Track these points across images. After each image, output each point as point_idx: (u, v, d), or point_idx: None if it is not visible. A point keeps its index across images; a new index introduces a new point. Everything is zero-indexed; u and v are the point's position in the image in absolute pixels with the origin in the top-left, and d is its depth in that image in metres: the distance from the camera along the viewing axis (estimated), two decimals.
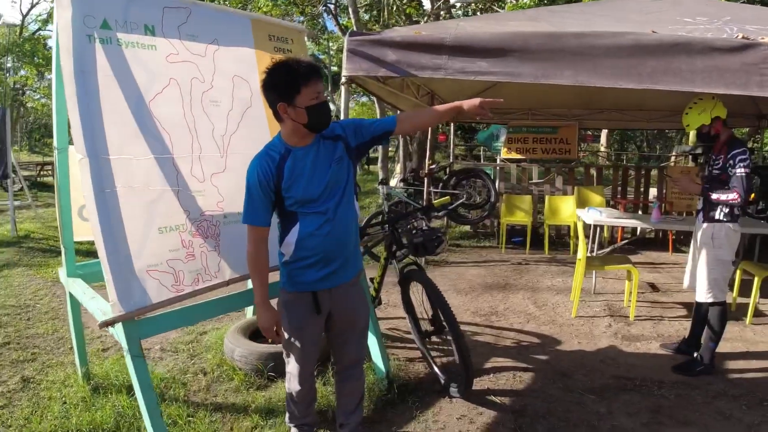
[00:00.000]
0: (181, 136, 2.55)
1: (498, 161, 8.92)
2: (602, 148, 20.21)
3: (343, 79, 3.79)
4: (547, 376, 3.53)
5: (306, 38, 3.54)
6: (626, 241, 7.68)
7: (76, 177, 2.74)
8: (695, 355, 3.68)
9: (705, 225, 3.57)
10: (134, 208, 2.29)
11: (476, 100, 2.34)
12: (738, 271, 4.93)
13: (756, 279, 4.59)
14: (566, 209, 7.43)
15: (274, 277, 2.42)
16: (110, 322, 2.16)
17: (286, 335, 2.36)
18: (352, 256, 2.34)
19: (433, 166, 7.08)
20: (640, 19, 3.95)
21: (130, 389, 3.08)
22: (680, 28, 3.43)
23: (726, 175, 3.42)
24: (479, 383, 3.36)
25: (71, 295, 3.05)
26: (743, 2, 6.98)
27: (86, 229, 3.50)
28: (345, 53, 3.61)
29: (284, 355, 2.45)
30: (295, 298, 2.30)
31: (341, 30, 15.81)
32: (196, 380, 3.37)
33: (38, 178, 16.08)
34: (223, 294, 2.74)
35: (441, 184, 6.93)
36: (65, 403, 3.02)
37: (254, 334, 3.64)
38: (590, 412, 3.07)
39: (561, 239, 7.91)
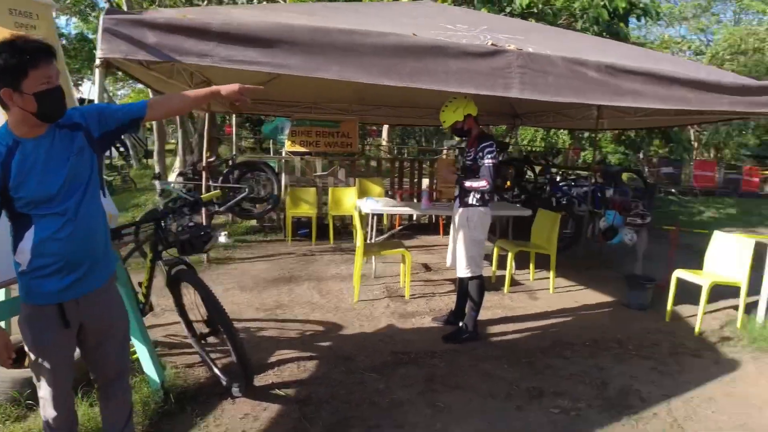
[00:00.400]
0: None
1: (283, 154, 8.91)
2: (384, 143, 21.62)
3: (97, 62, 3.34)
4: (331, 361, 3.63)
5: (54, 13, 3.05)
6: (402, 227, 8.32)
7: None
8: (461, 324, 4.13)
9: (461, 209, 4.02)
10: None
11: (235, 86, 2.30)
12: (495, 248, 5.70)
13: (510, 254, 5.37)
14: (349, 200, 7.75)
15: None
16: None
17: (31, 356, 2.01)
18: (101, 258, 2.08)
19: (212, 159, 6.75)
20: (408, 22, 4.23)
21: None
22: (441, 33, 3.75)
23: (477, 165, 3.89)
24: (263, 378, 3.32)
25: None
26: (505, 15, 8.04)
27: None
28: (100, 33, 3.19)
29: (34, 379, 2.09)
30: (37, 313, 1.97)
31: (112, 7, 14.16)
32: None
33: None
34: None
35: (221, 178, 6.64)
36: None
37: None
38: (371, 390, 3.25)
39: (346, 229, 8.24)
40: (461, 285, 4.25)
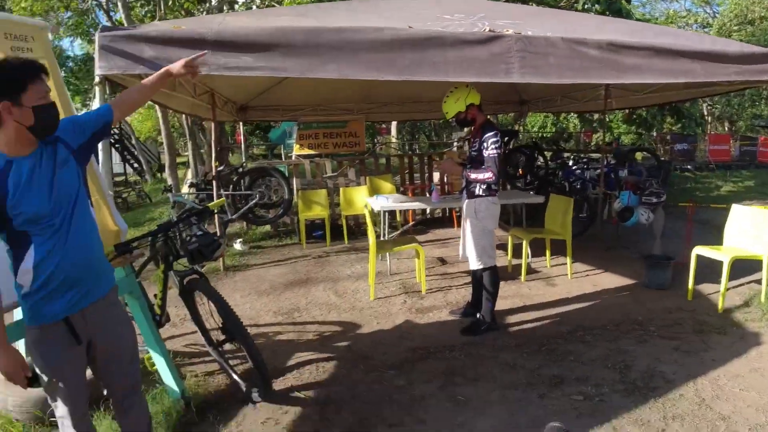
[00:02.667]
0: None
1: (293, 158, 8.93)
2: (393, 139, 21.59)
3: (96, 79, 3.38)
4: (349, 361, 3.63)
5: (50, 35, 3.08)
6: (415, 222, 8.29)
7: None
8: (478, 315, 4.10)
9: (468, 201, 3.99)
10: None
11: (181, 61, 2.38)
12: (510, 237, 5.65)
13: (524, 242, 5.32)
14: (361, 199, 7.74)
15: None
16: None
17: (44, 378, 2.03)
18: (99, 268, 2.10)
19: (221, 168, 6.79)
20: (403, 15, 4.20)
21: None
22: (438, 23, 3.72)
23: (482, 156, 3.85)
24: (283, 382, 3.33)
25: None
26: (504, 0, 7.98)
27: None
28: (97, 50, 3.23)
29: (50, 401, 2.11)
30: (44, 334, 1.98)
31: (113, 25, 14.34)
32: None
33: None
34: None
35: (232, 186, 6.68)
36: None
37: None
38: (391, 387, 3.24)
39: (359, 228, 8.24)
40: (475, 277, 4.22)
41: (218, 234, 2.85)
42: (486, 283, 4.01)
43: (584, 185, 7.72)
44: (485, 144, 3.82)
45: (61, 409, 2.09)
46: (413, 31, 3.38)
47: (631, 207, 6.06)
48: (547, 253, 5.73)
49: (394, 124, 20.73)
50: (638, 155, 10.80)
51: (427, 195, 8.33)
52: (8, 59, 1.85)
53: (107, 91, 3.50)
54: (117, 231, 2.90)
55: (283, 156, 15.36)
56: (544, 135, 16.38)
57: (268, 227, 8.00)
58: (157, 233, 2.86)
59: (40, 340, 2.00)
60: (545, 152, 9.34)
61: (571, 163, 8.86)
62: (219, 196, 6.29)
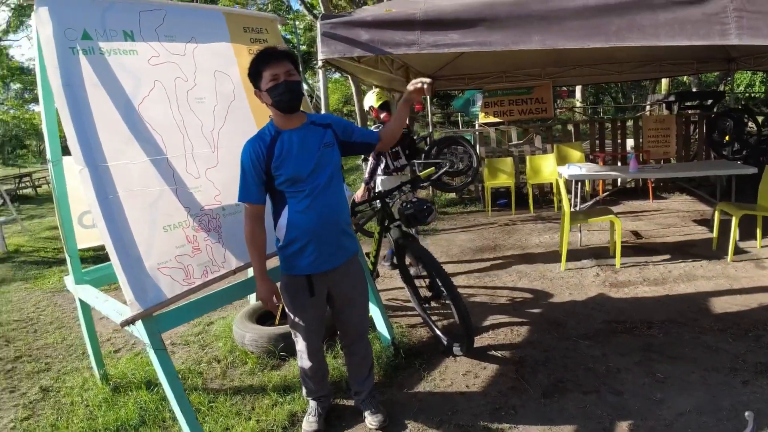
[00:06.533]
0: (172, 136, 2.63)
1: (476, 126, 9.02)
2: (578, 104, 20.37)
3: (319, 63, 3.85)
4: (542, 327, 3.72)
5: (279, 25, 3.59)
6: (608, 193, 7.88)
7: (72, 186, 2.84)
8: None
9: None
10: (137, 211, 2.38)
11: (411, 87, 2.46)
12: (716, 212, 5.15)
13: (734, 219, 4.80)
14: (547, 168, 7.60)
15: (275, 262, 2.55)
16: (130, 321, 2.27)
17: (291, 315, 2.51)
18: (344, 238, 2.46)
19: (414, 137, 7.16)
20: None
21: (149, 385, 3.22)
22: None
23: None
24: (479, 341, 3.55)
25: (81, 301, 3.15)
26: None
27: (87, 236, 3.60)
28: (318, 37, 3.67)
29: (293, 335, 2.61)
30: (292, 282, 2.44)
31: (307, 8, 15.64)
32: (211, 368, 3.51)
33: (18, 191, 15.88)
34: (230, 283, 2.86)
35: (423, 155, 7.02)
36: (88, 405, 3.14)
37: (261, 318, 3.78)
38: (586, 356, 3.27)
39: (545, 197, 8.10)
40: None
41: (430, 201, 3.11)
42: None
43: None
44: None
45: (300, 344, 2.57)
46: None
47: None
48: (758, 231, 5.09)
49: (578, 87, 19.55)
50: None
51: (619, 164, 7.87)
52: (257, 53, 2.28)
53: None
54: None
55: (460, 123, 15.48)
56: (753, 96, 14.05)
57: (452, 194, 8.26)
58: (376, 199, 3.23)
59: (289, 286, 2.46)
60: (757, 116, 8.12)
61: None
62: (411, 166, 6.67)
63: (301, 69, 20.01)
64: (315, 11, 14.99)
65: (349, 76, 11.45)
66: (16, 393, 3.46)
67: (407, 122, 3.24)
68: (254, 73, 2.26)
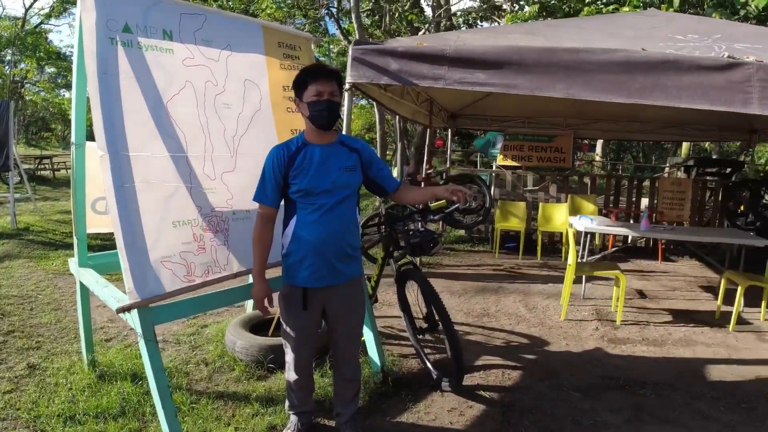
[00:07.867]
0: (195, 135, 2.70)
1: (494, 167, 9.08)
2: (597, 158, 20.44)
3: (346, 86, 3.92)
4: (535, 374, 3.69)
5: (313, 45, 3.68)
6: (616, 248, 7.85)
7: (91, 171, 2.90)
8: None
9: None
10: (151, 203, 2.43)
11: (441, 191, 2.66)
12: (723, 280, 5.11)
13: (739, 288, 4.76)
14: (559, 217, 7.60)
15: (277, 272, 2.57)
16: (126, 308, 2.30)
17: (283, 325, 2.54)
18: (346, 260, 2.47)
19: (430, 171, 7.24)
20: (633, 35, 4.09)
21: (134, 377, 3.23)
22: (671, 45, 3.57)
23: None
24: (470, 379, 3.51)
25: (81, 285, 3.18)
26: (737, 20, 7.17)
27: (98, 221, 3.65)
28: (349, 61, 3.74)
29: (284, 345, 2.62)
30: (289, 291, 2.47)
31: (342, 33, 15.98)
32: (198, 370, 3.50)
33: (36, 172, 16.14)
34: (230, 286, 2.89)
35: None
36: (71, 388, 3.15)
37: (255, 327, 3.78)
38: (575, 408, 3.23)
39: (553, 246, 8.07)
40: None
41: (436, 232, 3.14)
42: None
43: None
44: None
45: (289, 355, 2.58)
46: (648, 53, 3.29)
47: None
48: (764, 304, 5.03)
49: (600, 141, 19.66)
50: None
51: (631, 222, 7.85)
52: (309, 65, 2.36)
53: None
54: None
55: (478, 163, 15.58)
56: None
57: (462, 231, 8.27)
58: (385, 224, 3.25)
59: (286, 295, 2.49)
60: None
61: None
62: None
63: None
64: (350, 37, 15.34)
65: (375, 104, 11.63)
66: (3, 366, 3.48)
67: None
68: (300, 83, 2.33)
